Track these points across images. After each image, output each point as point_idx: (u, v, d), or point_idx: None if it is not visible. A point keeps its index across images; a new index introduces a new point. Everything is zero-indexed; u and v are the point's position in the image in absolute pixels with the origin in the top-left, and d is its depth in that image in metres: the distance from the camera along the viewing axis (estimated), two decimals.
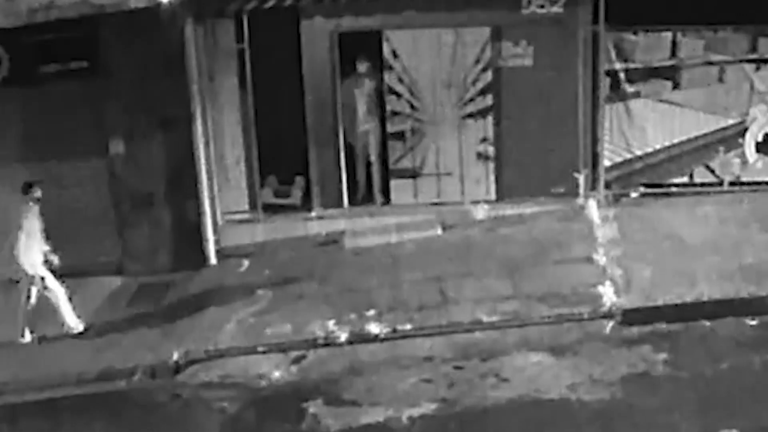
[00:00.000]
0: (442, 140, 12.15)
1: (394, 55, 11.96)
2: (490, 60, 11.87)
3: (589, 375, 8.39)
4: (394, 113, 12.13)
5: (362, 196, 12.41)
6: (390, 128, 12.18)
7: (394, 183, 12.28)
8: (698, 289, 9.62)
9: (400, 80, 12.03)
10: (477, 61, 11.91)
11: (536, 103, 11.85)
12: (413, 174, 12.26)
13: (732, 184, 12.18)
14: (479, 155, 12.18)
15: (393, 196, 12.30)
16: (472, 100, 12.03)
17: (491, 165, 12.17)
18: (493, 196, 12.21)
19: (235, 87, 11.98)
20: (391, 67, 11.99)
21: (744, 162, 12.19)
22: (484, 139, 12.12)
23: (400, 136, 12.20)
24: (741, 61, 12.03)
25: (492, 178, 12.18)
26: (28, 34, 11.06)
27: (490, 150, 12.13)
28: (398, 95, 12.07)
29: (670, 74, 12.17)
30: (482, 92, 11.99)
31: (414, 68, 11.98)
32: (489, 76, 11.93)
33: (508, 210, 12.01)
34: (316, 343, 9.59)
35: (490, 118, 12.05)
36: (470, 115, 12.09)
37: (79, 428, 8.69)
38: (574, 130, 11.88)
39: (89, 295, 11.36)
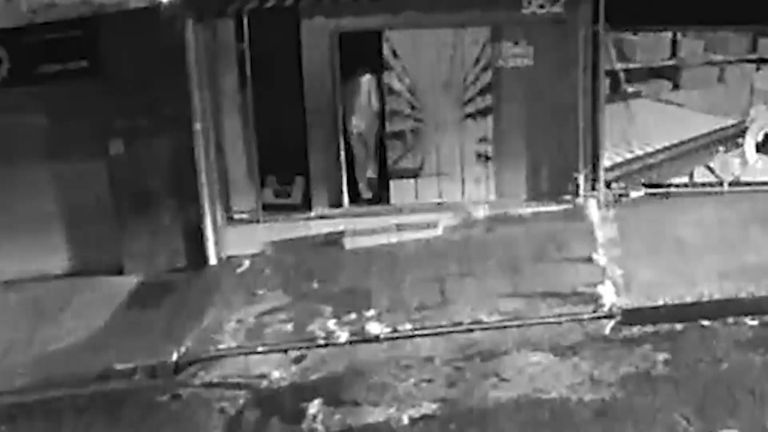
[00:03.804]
0: (442, 140, 12.15)
1: (394, 55, 11.96)
2: (490, 60, 11.88)
3: (589, 375, 8.38)
4: (394, 113, 12.14)
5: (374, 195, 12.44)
6: (390, 128, 12.20)
7: (394, 183, 12.29)
8: (698, 289, 9.62)
9: (400, 80, 12.03)
10: (477, 61, 11.91)
11: (536, 103, 11.85)
12: (413, 174, 12.27)
13: (732, 184, 12.19)
14: (479, 155, 12.18)
15: (393, 196, 12.30)
16: (472, 100, 12.03)
17: (491, 165, 12.17)
18: (493, 196, 12.21)
19: (235, 87, 11.98)
20: (391, 67, 12.00)
21: (744, 162, 12.19)
22: (484, 139, 12.13)
23: (400, 136, 12.22)
24: (741, 61, 12.04)
25: (492, 178, 12.19)
26: (28, 34, 11.05)
27: (490, 150, 12.14)
28: (398, 95, 12.08)
29: (670, 74, 12.17)
30: (482, 92, 11.99)
31: (414, 68, 11.99)
32: (489, 76, 11.94)
33: (508, 210, 12.01)
34: (316, 343, 9.60)
35: (490, 118, 12.06)
36: (470, 115, 12.08)
37: (79, 428, 8.67)
38: (574, 130, 11.88)
39: (89, 295, 11.36)
